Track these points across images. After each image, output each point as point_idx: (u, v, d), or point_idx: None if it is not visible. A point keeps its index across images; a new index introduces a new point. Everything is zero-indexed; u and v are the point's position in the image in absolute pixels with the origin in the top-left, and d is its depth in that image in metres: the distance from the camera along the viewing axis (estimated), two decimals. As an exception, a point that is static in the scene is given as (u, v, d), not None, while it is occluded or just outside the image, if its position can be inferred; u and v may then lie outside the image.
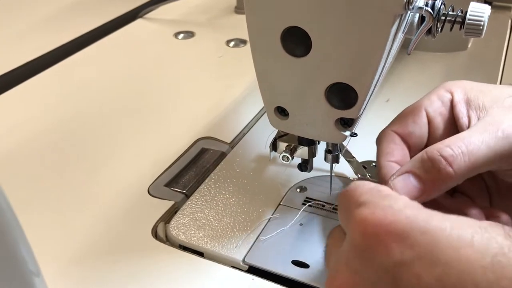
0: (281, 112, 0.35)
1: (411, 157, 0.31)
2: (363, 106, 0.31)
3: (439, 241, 0.20)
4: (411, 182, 0.27)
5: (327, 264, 0.28)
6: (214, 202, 0.42)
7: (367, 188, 0.24)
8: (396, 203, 0.22)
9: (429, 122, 0.32)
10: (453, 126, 0.32)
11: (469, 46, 0.63)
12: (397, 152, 0.31)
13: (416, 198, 0.27)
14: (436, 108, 0.32)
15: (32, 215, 0.41)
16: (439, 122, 0.32)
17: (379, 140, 0.32)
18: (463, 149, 0.26)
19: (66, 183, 0.45)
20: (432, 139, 0.32)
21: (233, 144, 0.49)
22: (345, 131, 0.33)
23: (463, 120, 0.30)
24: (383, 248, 0.21)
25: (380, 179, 0.30)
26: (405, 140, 0.31)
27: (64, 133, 0.51)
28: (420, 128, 0.31)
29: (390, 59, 0.31)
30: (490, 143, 0.27)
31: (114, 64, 0.64)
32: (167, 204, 0.42)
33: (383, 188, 0.24)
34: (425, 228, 0.21)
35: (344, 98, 0.31)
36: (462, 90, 0.32)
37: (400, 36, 0.31)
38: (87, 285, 0.35)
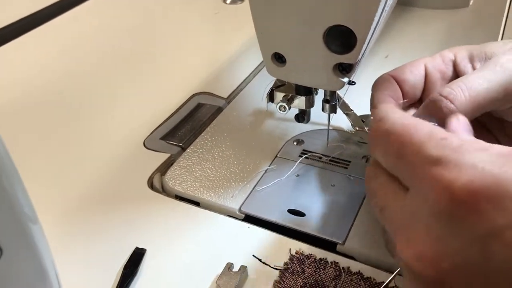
0: (278, 59, 0.34)
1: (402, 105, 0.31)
2: (362, 50, 0.30)
3: None
4: None
5: (370, 198, 0.26)
6: (211, 154, 0.41)
7: (434, 140, 0.22)
8: (476, 158, 0.20)
9: (426, 75, 0.32)
10: None
11: (471, 3, 0.62)
12: (392, 89, 0.31)
13: None
14: (436, 64, 0.32)
15: (29, 167, 0.40)
16: (437, 78, 0.32)
17: (376, 82, 0.32)
18: (461, 86, 0.27)
19: (63, 136, 0.44)
20: (428, 93, 0.32)
21: (229, 99, 0.49)
22: (343, 78, 0.32)
23: (470, 72, 0.31)
24: (474, 216, 0.19)
25: (372, 106, 0.31)
26: (399, 85, 0.32)
27: (61, 87, 0.50)
28: (414, 78, 0.31)
29: (390, 2, 0.30)
30: (489, 77, 0.27)
31: (109, 20, 0.63)
32: (163, 157, 0.42)
33: (449, 136, 0.22)
34: None
35: (343, 42, 0.30)
36: (466, 50, 0.32)
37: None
38: (84, 233, 0.35)
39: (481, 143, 0.22)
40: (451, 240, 0.20)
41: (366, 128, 0.42)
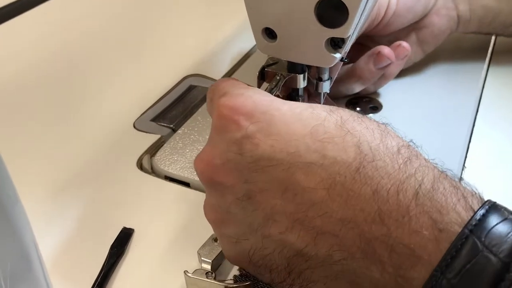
0: (269, 34, 0.33)
1: None
2: (354, 24, 0.29)
3: (275, 118, 0.25)
4: None
5: None
6: (201, 136, 0.41)
7: (228, 82, 0.28)
8: (247, 91, 0.27)
9: None
10: None
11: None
12: None
13: None
14: None
15: (17, 147, 0.39)
16: None
17: None
18: None
19: (53, 116, 0.43)
20: None
21: (222, 81, 0.48)
22: (335, 53, 0.32)
23: None
24: (234, 125, 0.25)
25: None
26: None
27: (51, 68, 0.49)
28: None
29: (383, -26, 0.29)
30: None
31: (101, 1, 0.62)
32: (153, 138, 0.41)
33: (241, 82, 0.29)
34: (266, 109, 0.25)
35: (335, 15, 0.29)
36: None
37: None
38: (72, 212, 0.34)
39: (262, 91, 0.28)
40: (219, 144, 0.26)
41: (357, 109, 0.42)
